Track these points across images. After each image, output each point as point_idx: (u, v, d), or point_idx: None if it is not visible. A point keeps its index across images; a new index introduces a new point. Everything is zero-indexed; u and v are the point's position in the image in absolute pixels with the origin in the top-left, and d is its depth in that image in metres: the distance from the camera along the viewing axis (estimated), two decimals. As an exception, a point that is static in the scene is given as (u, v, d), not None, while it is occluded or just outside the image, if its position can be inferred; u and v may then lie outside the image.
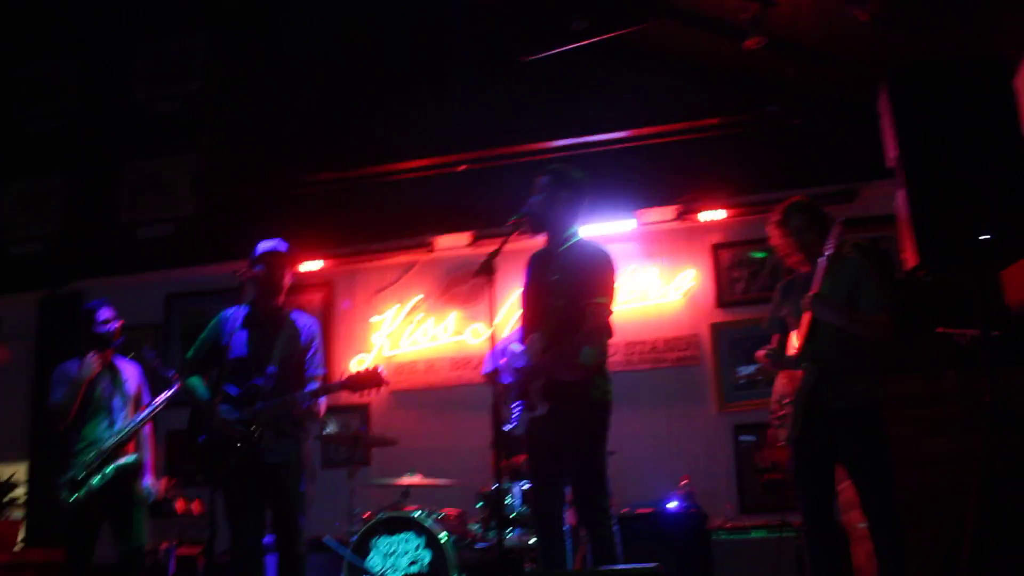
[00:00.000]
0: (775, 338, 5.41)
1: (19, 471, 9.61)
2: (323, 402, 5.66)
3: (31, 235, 10.47)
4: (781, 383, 5.25)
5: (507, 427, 5.01)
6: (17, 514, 9.32)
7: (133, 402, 6.73)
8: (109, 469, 6.38)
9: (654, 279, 8.87)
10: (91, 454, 6.40)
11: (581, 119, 8.79)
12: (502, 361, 5.25)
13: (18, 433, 9.91)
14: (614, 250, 5.19)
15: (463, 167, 9.07)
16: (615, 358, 8.27)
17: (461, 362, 9.25)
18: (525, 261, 5.39)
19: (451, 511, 7.10)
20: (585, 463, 4.95)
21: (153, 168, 10.32)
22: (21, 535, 9.18)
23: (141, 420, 6.60)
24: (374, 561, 6.63)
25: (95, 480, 6.34)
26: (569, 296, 4.92)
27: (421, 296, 9.47)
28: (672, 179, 8.75)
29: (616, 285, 5.08)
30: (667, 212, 8.86)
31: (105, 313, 6.69)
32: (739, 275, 8.80)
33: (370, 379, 5.52)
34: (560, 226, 5.23)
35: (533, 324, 5.11)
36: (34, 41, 10.93)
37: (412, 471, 7.27)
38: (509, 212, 5.18)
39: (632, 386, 8.36)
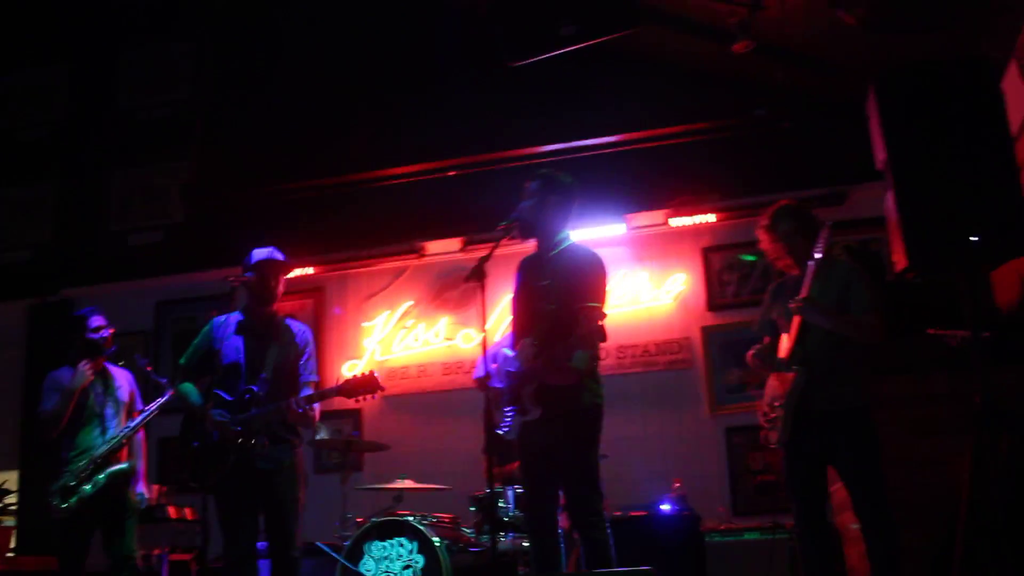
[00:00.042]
0: (766, 340, 5.43)
1: (10, 479, 9.60)
2: (317, 407, 5.66)
3: (21, 243, 10.48)
4: (772, 385, 5.26)
5: (500, 431, 5.01)
6: (8, 521, 9.30)
7: (126, 409, 6.70)
8: (101, 476, 6.36)
9: (645, 283, 8.90)
10: (83, 461, 6.38)
11: (571, 124, 8.81)
12: (493, 366, 5.25)
13: (9, 441, 9.91)
14: (604, 254, 5.19)
15: (453, 172, 9.10)
16: (607, 362, 8.33)
17: (453, 367, 9.26)
18: (516, 266, 5.39)
19: (444, 515, 7.09)
20: (578, 467, 4.95)
21: (143, 175, 10.33)
22: (12, 543, 9.16)
23: (134, 427, 6.59)
24: (367, 566, 6.62)
25: (87, 488, 6.32)
26: (561, 300, 4.91)
27: (412, 301, 9.49)
28: (662, 183, 8.78)
29: (607, 289, 5.09)
30: (657, 216, 8.89)
31: (96, 320, 6.67)
32: (729, 278, 8.83)
33: (366, 384, 5.52)
34: (550, 231, 5.22)
35: (524, 329, 5.11)
36: (23, 50, 10.94)
37: (403, 476, 7.27)
38: (499, 217, 5.18)
39: (624, 389, 8.41)
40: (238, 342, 5.62)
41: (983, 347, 4.13)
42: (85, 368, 6.54)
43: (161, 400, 6.61)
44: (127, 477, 6.51)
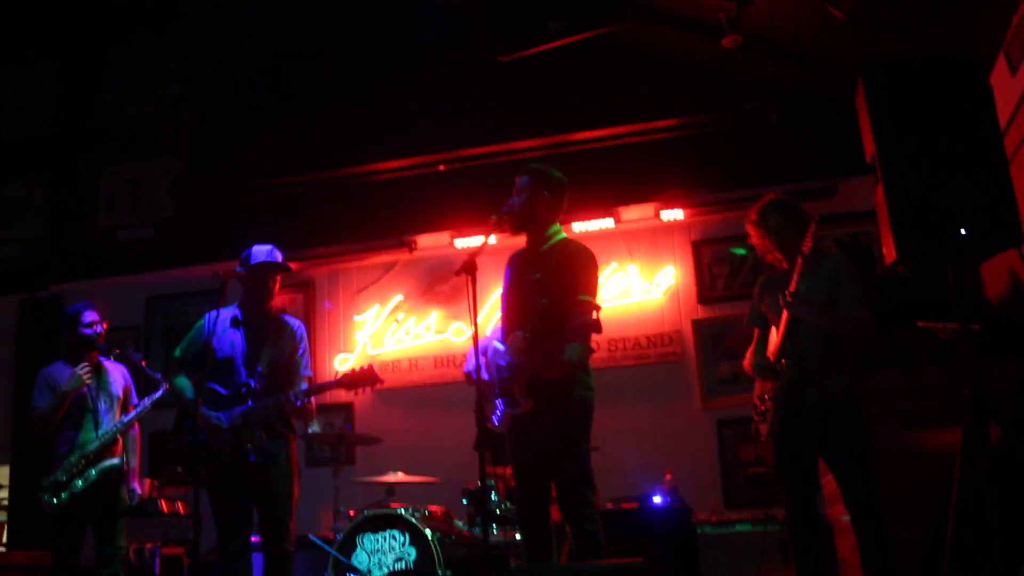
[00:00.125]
0: (756, 333, 5.46)
1: (0, 474, 9.58)
2: (313, 401, 5.67)
3: (10, 239, 10.44)
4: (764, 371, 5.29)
5: (490, 424, 5.02)
6: (-1, 516, 9.30)
7: (120, 404, 6.70)
8: (93, 472, 6.36)
9: (635, 276, 8.91)
10: (75, 456, 6.38)
11: (560, 118, 8.82)
12: (483, 359, 5.25)
13: (-1, 436, 9.89)
14: (595, 248, 5.21)
15: (443, 167, 9.11)
16: (598, 355, 8.32)
17: (444, 360, 9.28)
18: (506, 260, 5.40)
19: (436, 508, 7.11)
20: (569, 459, 4.96)
21: (131, 171, 10.30)
22: (3, 537, 9.15)
23: (127, 421, 6.58)
24: (360, 558, 6.64)
25: (78, 483, 6.31)
26: (552, 294, 4.93)
27: (403, 295, 9.49)
28: (651, 177, 8.79)
29: (598, 283, 5.11)
30: (647, 210, 8.90)
31: (90, 316, 6.66)
32: (720, 271, 8.85)
33: (365, 377, 5.55)
34: (541, 225, 5.23)
35: (515, 322, 5.12)
36: (10, 47, 10.89)
37: (395, 469, 7.28)
38: (489, 211, 5.19)
39: (616, 382, 8.43)
40: (234, 336, 5.63)
41: (973, 340, 4.15)
42: (84, 372, 6.53)
43: (155, 395, 6.61)
44: (119, 473, 6.50)
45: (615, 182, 8.75)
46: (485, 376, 5.11)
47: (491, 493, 6.70)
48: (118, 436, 6.55)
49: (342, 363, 9.36)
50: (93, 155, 10.45)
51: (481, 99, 8.89)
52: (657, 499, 7.27)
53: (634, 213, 8.94)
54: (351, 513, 7.02)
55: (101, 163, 10.38)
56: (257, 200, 9.66)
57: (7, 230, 10.45)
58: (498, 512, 6.71)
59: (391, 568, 6.55)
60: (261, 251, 5.68)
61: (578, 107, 8.81)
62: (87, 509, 6.39)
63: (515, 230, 5.29)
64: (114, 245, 10.10)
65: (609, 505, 7.22)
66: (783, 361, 5.09)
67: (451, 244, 9.26)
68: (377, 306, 9.50)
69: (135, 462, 6.74)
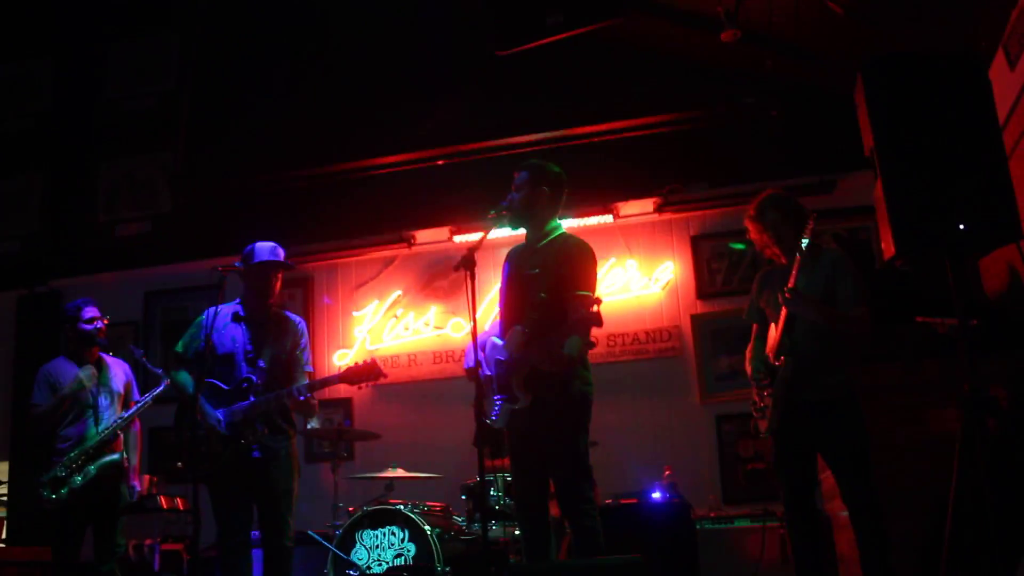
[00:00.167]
0: (754, 329, 5.46)
1: (0, 469, 9.59)
2: (314, 396, 5.68)
3: (8, 234, 10.43)
4: (761, 374, 5.28)
5: (488, 420, 5.02)
6: (-2, 512, 9.31)
7: (121, 400, 6.69)
8: (92, 467, 6.36)
9: (634, 271, 8.90)
10: (75, 452, 6.37)
11: (558, 113, 8.80)
12: (481, 355, 5.25)
13: (-2, 431, 9.89)
14: (594, 243, 5.20)
15: (442, 162, 9.09)
16: (597, 350, 8.30)
17: (443, 356, 9.27)
18: (504, 255, 5.40)
19: (435, 504, 7.11)
20: (567, 455, 4.95)
21: (130, 166, 10.29)
22: (3, 533, 9.15)
23: (127, 416, 6.58)
24: (359, 555, 6.64)
25: (77, 478, 6.31)
26: (551, 289, 4.92)
27: (402, 291, 9.48)
28: (650, 172, 8.78)
29: (597, 278, 5.11)
30: (646, 205, 8.90)
31: (90, 311, 6.65)
32: (719, 266, 8.85)
33: (368, 371, 5.55)
34: (540, 221, 5.23)
35: (514, 318, 5.11)
36: (8, 42, 10.88)
37: (395, 464, 7.28)
38: (488, 206, 5.19)
39: (615, 377, 8.42)
40: (235, 332, 5.64)
41: (971, 335, 4.15)
42: (87, 377, 6.54)
43: (156, 390, 6.61)
44: (118, 469, 6.50)
45: (614, 177, 8.75)
46: (484, 371, 5.11)
47: (490, 489, 6.70)
48: (118, 432, 6.55)
49: (341, 359, 9.35)
50: (91, 150, 10.44)
51: (479, 94, 8.87)
52: (656, 495, 7.26)
53: (633, 208, 8.93)
54: (350, 509, 7.01)
55: (99, 158, 10.37)
56: (256, 195, 9.65)
57: (5, 225, 10.44)
58: (497, 508, 6.70)
59: (390, 564, 6.55)
60: (264, 249, 5.68)
61: (577, 102, 8.79)
62: (87, 506, 6.39)
63: (515, 226, 5.31)
64: (112, 240, 10.09)
65: (608, 501, 7.21)
66: (782, 358, 5.08)
67: (450, 239, 9.27)
68: (376, 301, 9.50)
69: (136, 459, 6.73)
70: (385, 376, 5.64)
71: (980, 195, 4.03)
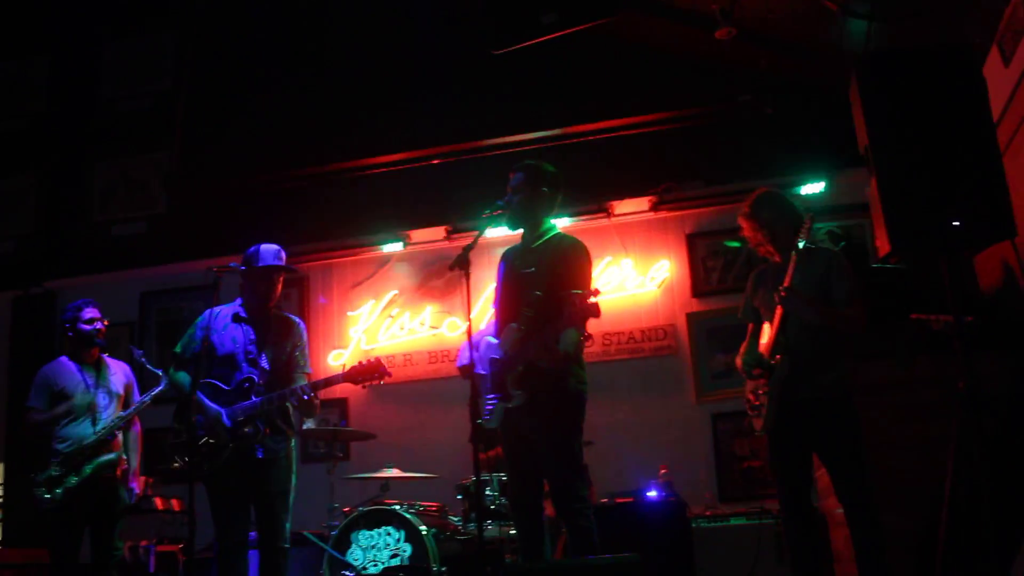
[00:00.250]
0: (749, 327, 5.45)
1: (-5, 472, 9.58)
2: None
3: (3, 235, 10.42)
4: (751, 367, 5.28)
5: (480, 421, 5.00)
6: (-6, 515, 9.28)
7: (120, 400, 6.67)
8: (88, 467, 6.33)
9: (630, 270, 8.90)
10: (72, 451, 6.35)
11: (554, 112, 8.80)
12: (476, 354, 5.25)
13: (-8, 433, 9.87)
14: (589, 242, 5.21)
15: (437, 161, 9.09)
16: (592, 348, 8.35)
17: (438, 355, 9.27)
18: (500, 255, 5.40)
19: (431, 504, 7.11)
20: (561, 454, 4.95)
21: (125, 166, 10.29)
22: (-2, 536, 9.15)
23: (126, 416, 6.56)
24: (355, 555, 6.63)
25: (72, 478, 6.29)
26: (547, 288, 4.92)
27: (397, 290, 9.48)
28: (645, 170, 8.78)
29: (592, 277, 5.11)
30: (641, 203, 8.90)
31: (90, 312, 6.64)
32: (714, 265, 8.85)
33: (372, 370, 5.53)
34: (535, 220, 5.24)
35: (509, 317, 5.11)
36: (3, 41, 10.87)
37: (390, 464, 7.27)
38: (484, 206, 5.18)
39: (610, 376, 8.43)
40: (235, 332, 5.63)
41: (966, 332, 4.15)
42: (90, 382, 6.55)
43: (155, 390, 6.58)
44: (114, 468, 6.48)
45: (609, 175, 8.75)
46: (478, 370, 5.11)
47: (486, 488, 6.69)
48: (116, 432, 6.53)
49: (336, 359, 9.35)
50: (87, 150, 10.44)
51: (475, 93, 8.87)
52: (652, 493, 7.26)
53: (628, 206, 8.93)
54: (346, 510, 7.00)
55: (94, 158, 10.37)
56: (251, 195, 9.64)
57: (0, 225, 10.43)
58: (493, 507, 6.70)
59: (386, 564, 6.54)
60: (270, 252, 5.67)
61: (572, 101, 8.80)
62: (84, 507, 6.36)
63: (512, 226, 5.31)
64: (108, 240, 10.09)
65: (604, 500, 7.21)
66: (778, 356, 5.07)
67: (446, 239, 9.26)
68: (371, 301, 9.49)
69: (135, 462, 6.70)
70: (390, 375, 5.62)
71: (975, 192, 4.03)
